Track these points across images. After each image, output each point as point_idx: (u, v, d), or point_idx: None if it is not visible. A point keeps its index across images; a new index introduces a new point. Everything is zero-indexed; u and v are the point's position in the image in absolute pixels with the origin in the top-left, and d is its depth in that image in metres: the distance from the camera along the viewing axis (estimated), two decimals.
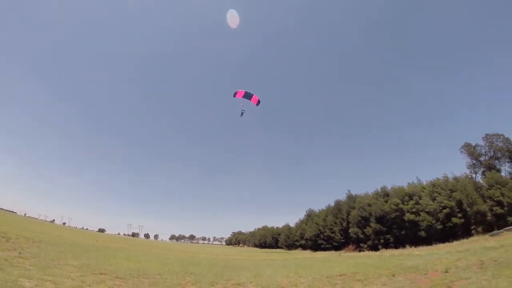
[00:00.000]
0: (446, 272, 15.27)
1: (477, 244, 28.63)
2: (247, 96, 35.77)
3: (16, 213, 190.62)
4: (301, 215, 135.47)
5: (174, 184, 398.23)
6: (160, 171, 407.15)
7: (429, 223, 48.62)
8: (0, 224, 36.34)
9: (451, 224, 48.01)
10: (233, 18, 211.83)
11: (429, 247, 39.50)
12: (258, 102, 36.10)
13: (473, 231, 46.11)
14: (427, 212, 49.85)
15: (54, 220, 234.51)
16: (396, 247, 48.82)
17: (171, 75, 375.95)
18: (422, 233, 48.42)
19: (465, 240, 38.91)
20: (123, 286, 12.06)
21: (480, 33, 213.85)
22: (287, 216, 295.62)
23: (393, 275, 16.26)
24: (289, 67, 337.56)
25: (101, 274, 14.00)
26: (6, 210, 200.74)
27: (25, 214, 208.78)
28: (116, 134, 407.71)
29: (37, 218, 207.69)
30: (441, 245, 39.02)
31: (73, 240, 39.77)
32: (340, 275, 17.82)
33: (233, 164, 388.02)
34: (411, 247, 43.14)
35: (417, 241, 46.45)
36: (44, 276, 11.21)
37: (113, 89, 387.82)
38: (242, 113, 35.99)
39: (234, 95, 35.59)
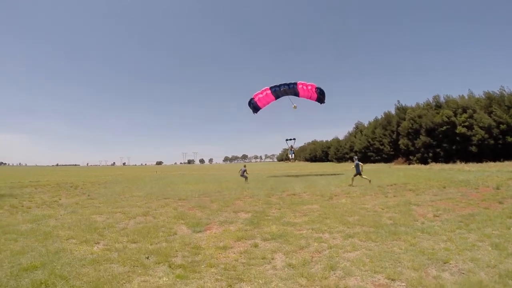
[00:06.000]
0: (498, 189, 14.95)
1: None
2: (283, 92, 27.05)
3: (79, 165, 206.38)
4: (348, 128, 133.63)
5: (223, 105, 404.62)
6: (209, 96, 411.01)
7: (481, 138, 45.84)
8: (67, 177, 39.95)
9: (504, 142, 45.09)
10: None
11: (480, 164, 38.50)
12: (320, 92, 26.51)
13: None
14: (481, 127, 46.66)
15: (114, 163, 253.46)
16: (445, 161, 47.74)
17: None
18: (473, 149, 45.94)
19: None
20: (186, 205, 13.15)
21: None
22: (334, 130, 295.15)
23: (444, 187, 16.26)
24: None
25: (165, 198, 15.37)
26: (70, 165, 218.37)
27: (87, 164, 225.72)
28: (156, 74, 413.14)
29: (99, 165, 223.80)
30: (492, 163, 37.86)
31: (134, 176, 43.23)
32: (391, 185, 18.19)
33: (281, 78, 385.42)
34: (461, 162, 42.39)
35: (467, 157, 45.08)
36: (113, 209, 12.33)
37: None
38: (291, 150, 31.55)
39: (256, 109, 28.20)
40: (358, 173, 20.32)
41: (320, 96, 26.84)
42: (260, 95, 26.75)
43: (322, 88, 26.61)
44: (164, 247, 6.96)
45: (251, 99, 27.33)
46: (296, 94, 27.06)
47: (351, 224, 8.85)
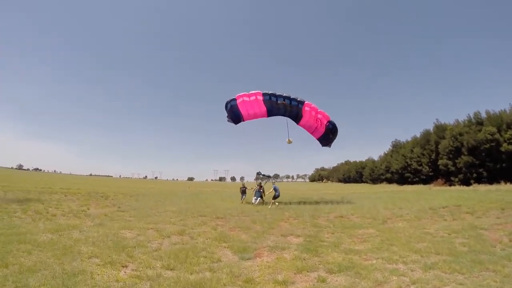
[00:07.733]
0: None
1: None
2: (281, 106, 19.54)
3: (112, 176, 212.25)
4: (383, 148, 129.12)
5: (252, 123, 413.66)
6: None
7: None
8: (99, 186, 40.19)
9: None
10: None
11: None
12: (332, 129, 19.90)
13: None
14: None
15: (146, 176, 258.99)
16: (489, 182, 44.69)
17: None
18: None
19: None
20: (226, 225, 12.10)
21: None
22: (368, 150, 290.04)
23: (503, 209, 14.76)
24: None
25: (201, 216, 14.24)
26: (103, 175, 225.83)
27: (120, 175, 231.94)
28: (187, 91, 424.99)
29: (131, 177, 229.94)
30: None
31: (167, 190, 42.77)
32: (444, 207, 16.79)
33: (312, 97, 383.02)
34: (506, 183, 39.30)
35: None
36: (145, 225, 11.33)
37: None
38: (258, 191, 21.58)
39: (237, 117, 20.47)
40: (277, 196, 20.18)
41: (330, 136, 20.38)
42: (246, 99, 19.60)
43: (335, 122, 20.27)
44: (209, 278, 5.79)
45: (231, 100, 19.97)
46: (298, 117, 20.21)
47: (423, 252, 7.71)
